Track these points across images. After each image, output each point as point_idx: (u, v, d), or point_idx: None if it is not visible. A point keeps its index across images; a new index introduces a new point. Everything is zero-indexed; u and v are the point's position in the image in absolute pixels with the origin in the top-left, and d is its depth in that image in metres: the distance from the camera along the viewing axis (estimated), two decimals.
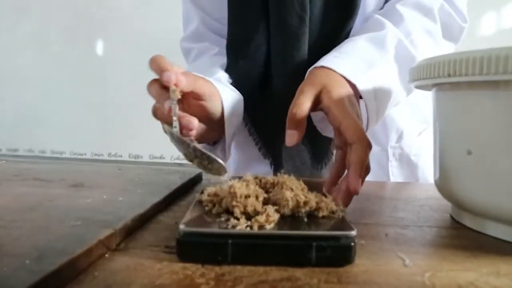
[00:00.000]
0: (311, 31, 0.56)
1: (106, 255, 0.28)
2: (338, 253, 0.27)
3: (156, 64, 0.40)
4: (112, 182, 0.48)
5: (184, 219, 0.29)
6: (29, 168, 0.58)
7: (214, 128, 0.50)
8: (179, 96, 0.40)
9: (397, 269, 0.26)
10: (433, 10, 0.56)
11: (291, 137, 0.40)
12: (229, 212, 0.30)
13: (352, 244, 0.27)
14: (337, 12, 0.56)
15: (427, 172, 0.67)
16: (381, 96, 0.49)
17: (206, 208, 0.30)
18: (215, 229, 0.28)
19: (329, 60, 0.47)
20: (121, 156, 2.19)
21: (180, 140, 0.38)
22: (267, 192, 0.34)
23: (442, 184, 0.38)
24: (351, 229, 0.28)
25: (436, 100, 0.39)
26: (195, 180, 0.52)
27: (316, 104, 0.42)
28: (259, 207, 0.30)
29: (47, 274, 0.21)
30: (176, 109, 0.39)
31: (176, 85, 0.40)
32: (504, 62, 0.29)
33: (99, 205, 0.37)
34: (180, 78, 0.40)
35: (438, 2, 0.57)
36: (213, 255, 0.26)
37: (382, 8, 0.60)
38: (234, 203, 0.30)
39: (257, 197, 0.31)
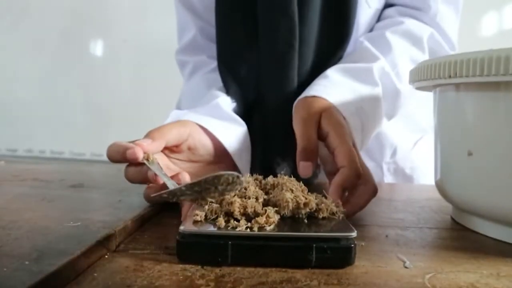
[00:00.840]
0: (303, 57, 0.54)
1: (106, 256, 0.28)
2: (338, 255, 0.26)
3: (113, 152, 0.36)
4: (111, 183, 0.48)
5: (184, 220, 0.29)
6: (29, 168, 0.58)
7: (225, 162, 0.47)
8: (156, 160, 0.37)
9: (398, 270, 0.26)
10: (422, 40, 0.56)
11: (307, 169, 0.39)
12: (229, 213, 0.30)
13: (352, 245, 0.27)
14: (330, 39, 0.55)
15: (423, 183, 0.68)
16: (367, 128, 0.49)
17: (206, 209, 0.30)
18: (215, 231, 0.27)
19: (319, 90, 0.47)
20: None
21: (181, 191, 0.31)
22: (267, 193, 0.34)
23: (443, 185, 0.38)
24: (351, 230, 0.27)
25: (437, 101, 0.39)
26: None
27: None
28: (259, 208, 0.30)
29: (46, 275, 0.21)
30: (162, 171, 0.36)
31: (146, 155, 0.36)
32: (505, 63, 0.29)
33: (99, 206, 0.37)
34: (145, 146, 0.36)
35: (428, 31, 0.57)
36: (213, 256, 0.26)
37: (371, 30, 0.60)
38: (234, 204, 0.30)
39: (257, 199, 0.31)
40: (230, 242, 0.26)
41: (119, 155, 0.36)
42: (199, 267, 0.26)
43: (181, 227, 0.27)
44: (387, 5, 0.61)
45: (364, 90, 0.50)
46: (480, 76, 0.30)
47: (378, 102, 0.51)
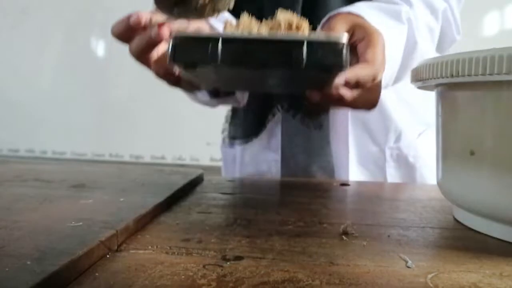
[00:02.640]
0: None
1: (107, 256, 0.28)
2: (329, 55, 0.26)
3: (117, 26, 0.36)
4: (113, 183, 0.48)
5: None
6: (30, 168, 0.58)
7: None
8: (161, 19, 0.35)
9: (400, 270, 0.26)
10: (438, 11, 0.56)
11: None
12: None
13: (342, 48, 0.26)
14: None
15: (425, 174, 0.67)
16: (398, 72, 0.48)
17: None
18: (206, 33, 0.28)
19: (353, 10, 0.43)
20: (122, 156, 2.20)
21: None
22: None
23: (445, 185, 0.38)
24: (342, 36, 0.27)
25: (439, 100, 0.39)
26: (197, 181, 0.52)
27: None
28: (254, 27, 0.29)
29: (48, 274, 0.21)
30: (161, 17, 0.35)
31: (149, 19, 0.35)
32: (508, 62, 0.29)
33: (100, 206, 0.37)
34: (147, 13, 0.36)
35: (443, 4, 0.57)
36: (204, 56, 0.26)
37: None
38: (226, 23, 0.30)
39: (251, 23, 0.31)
40: (220, 40, 0.26)
41: (123, 26, 0.36)
42: (201, 266, 0.26)
43: (175, 32, 0.27)
44: None
45: (395, 28, 0.48)
46: (482, 75, 0.30)
47: (402, 45, 0.49)
